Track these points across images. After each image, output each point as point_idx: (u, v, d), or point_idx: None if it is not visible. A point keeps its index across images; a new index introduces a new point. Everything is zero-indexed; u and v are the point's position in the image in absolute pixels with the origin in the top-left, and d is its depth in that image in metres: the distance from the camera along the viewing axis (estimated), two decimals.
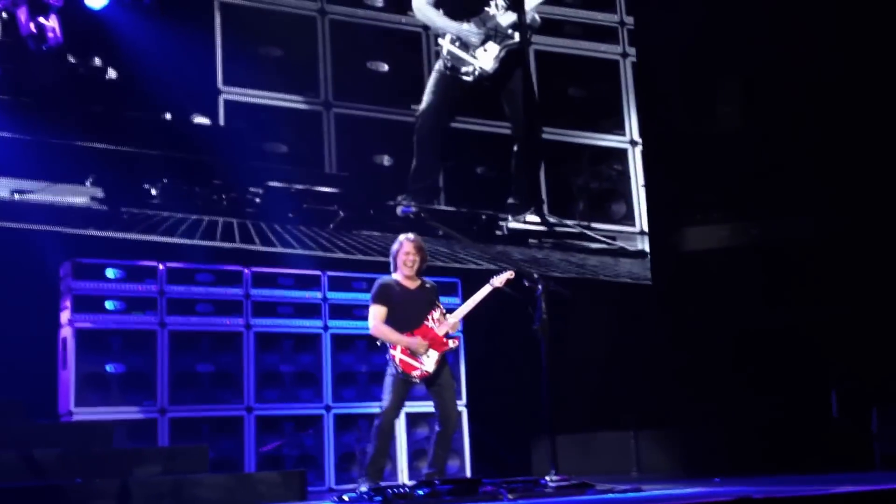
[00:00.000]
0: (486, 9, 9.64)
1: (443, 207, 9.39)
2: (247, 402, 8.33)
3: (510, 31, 9.50)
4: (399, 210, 8.79)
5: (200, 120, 8.57)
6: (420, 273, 7.19)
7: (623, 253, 10.15)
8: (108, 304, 7.97)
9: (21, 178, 7.82)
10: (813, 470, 7.59)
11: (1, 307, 7.70)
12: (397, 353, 7.02)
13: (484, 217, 9.51)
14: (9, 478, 6.47)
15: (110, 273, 8.00)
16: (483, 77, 9.45)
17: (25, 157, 7.90)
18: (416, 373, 6.99)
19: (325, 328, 8.73)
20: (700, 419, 9.63)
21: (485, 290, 7.20)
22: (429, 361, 7.02)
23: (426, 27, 9.53)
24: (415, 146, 9.37)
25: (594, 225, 10.03)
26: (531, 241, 9.66)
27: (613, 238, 10.10)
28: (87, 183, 8.20)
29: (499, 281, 7.17)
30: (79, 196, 8.11)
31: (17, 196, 7.81)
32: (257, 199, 8.65)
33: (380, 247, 8.75)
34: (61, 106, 8.03)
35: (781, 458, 8.42)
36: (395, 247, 7.19)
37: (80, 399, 7.71)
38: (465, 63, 9.41)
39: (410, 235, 7.21)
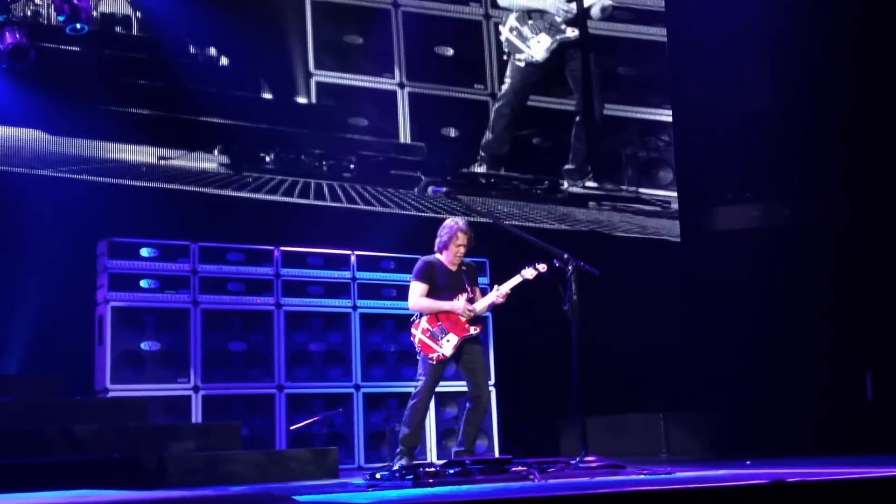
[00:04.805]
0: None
1: (508, 174, 10.48)
2: (277, 381, 8.42)
3: (563, 25, 10.44)
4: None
5: (300, 99, 9.72)
6: None
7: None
8: (143, 283, 8.06)
9: (164, 147, 9.00)
10: (846, 453, 7.54)
11: (42, 285, 7.87)
12: (417, 334, 7.05)
13: (546, 182, 10.48)
14: (49, 452, 6.58)
15: (144, 252, 8.10)
16: (534, 64, 10.41)
17: (164, 130, 8.97)
18: (433, 355, 6.99)
19: (355, 307, 8.80)
20: (730, 402, 9.62)
21: (515, 280, 7.15)
22: (447, 346, 7.02)
23: (486, 16, 10.57)
24: (492, 121, 10.40)
25: (641, 190, 10.90)
26: (590, 203, 10.60)
27: (668, 203, 10.90)
28: (215, 152, 9.17)
29: (530, 273, 7.10)
30: (209, 163, 9.18)
31: (161, 161, 8.98)
32: (352, 166, 9.70)
33: (462, 208, 9.54)
34: (185, 88, 9.08)
35: (813, 442, 8.39)
36: (446, 232, 7.12)
37: (116, 376, 7.84)
38: (519, 50, 10.40)
39: (462, 224, 7.12)
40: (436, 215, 9.30)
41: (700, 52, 10.70)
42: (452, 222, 7.19)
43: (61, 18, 7.42)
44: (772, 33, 10.65)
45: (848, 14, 10.34)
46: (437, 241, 7.20)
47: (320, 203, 9.49)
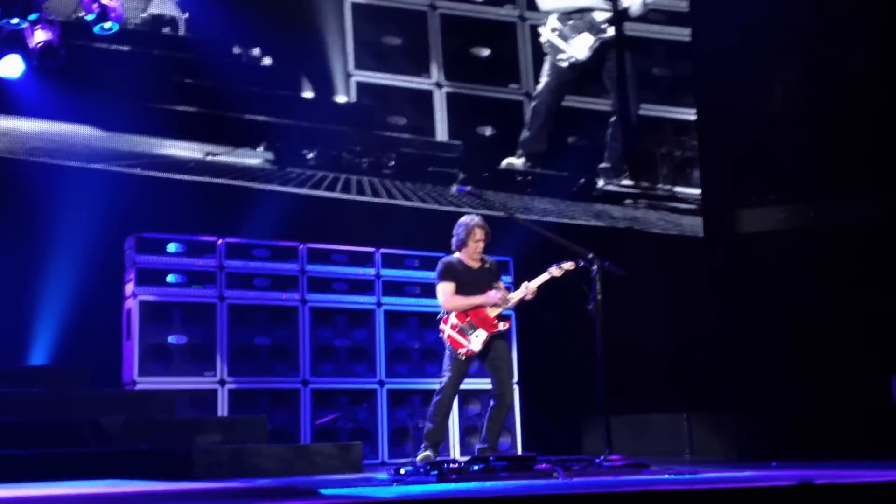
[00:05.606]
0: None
1: (544, 171, 10.70)
2: (302, 376, 8.47)
3: (603, 25, 10.62)
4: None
5: (340, 98, 9.98)
6: None
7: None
8: (170, 278, 8.13)
9: (211, 144, 9.35)
10: (871, 456, 7.49)
11: (71, 278, 7.98)
12: (447, 329, 7.07)
13: (582, 180, 10.69)
14: (77, 443, 6.65)
15: (171, 247, 8.16)
16: (576, 63, 10.58)
17: (211, 127, 9.27)
18: (462, 350, 7.02)
19: (379, 304, 8.84)
20: (753, 403, 9.58)
21: (543, 277, 7.18)
22: (476, 341, 7.04)
23: (522, 17, 10.79)
24: (529, 119, 10.62)
25: (676, 189, 11.04)
26: (626, 201, 10.77)
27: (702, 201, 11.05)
28: (260, 149, 9.48)
29: (557, 270, 7.12)
30: (254, 158, 9.50)
31: (209, 157, 9.34)
32: (391, 163, 9.97)
33: (487, 207, 9.73)
34: (230, 86, 9.36)
35: (838, 444, 8.34)
36: (462, 229, 7.13)
37: (144, 369, 7.92)
38: (560, 51, 10.56)
39: (479, 220, 7.14)
40: (474, 211, 9.37)
41: (725, 53, 10.66)
42: (468, 219, 7.20)
43: (90, 17, 7.49)
44: (797, 34, 10.59)
45: (874, 14, 10.28)
46: (454, 239, 7.21)
47: (360, 198, 9.72)
